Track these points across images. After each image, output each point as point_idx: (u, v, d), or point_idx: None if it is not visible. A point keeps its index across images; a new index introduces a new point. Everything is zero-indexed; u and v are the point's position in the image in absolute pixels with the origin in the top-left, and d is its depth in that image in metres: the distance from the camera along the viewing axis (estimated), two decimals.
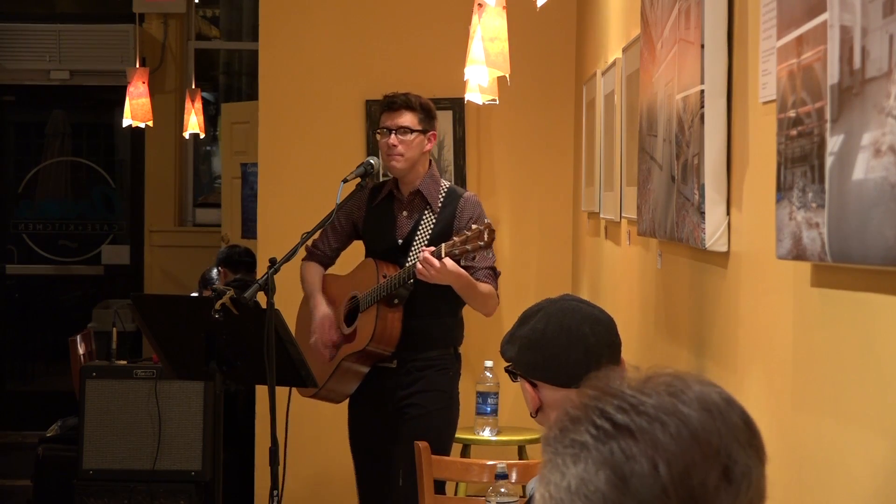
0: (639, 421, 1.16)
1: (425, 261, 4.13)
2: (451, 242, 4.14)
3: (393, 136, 4.44)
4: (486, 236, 4.06)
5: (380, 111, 4.60)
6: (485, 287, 4.34)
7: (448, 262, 4.14)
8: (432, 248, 4.17)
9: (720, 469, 1.16)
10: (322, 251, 4.65)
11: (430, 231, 4.42)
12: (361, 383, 4.52)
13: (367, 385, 4.51)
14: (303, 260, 4.65)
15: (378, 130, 4.55)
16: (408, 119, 4.45)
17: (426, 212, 4.47)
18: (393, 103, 4.47)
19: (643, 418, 1.16)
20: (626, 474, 1.14)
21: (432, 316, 4.42)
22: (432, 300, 4.38)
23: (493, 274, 4.40)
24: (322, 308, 4.55)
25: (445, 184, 4.54)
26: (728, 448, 1.17)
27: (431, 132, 4.50)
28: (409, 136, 4.44)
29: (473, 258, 4.15)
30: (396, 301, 4.38)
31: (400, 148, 4.43)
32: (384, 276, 4.39)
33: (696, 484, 1.14)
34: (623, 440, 1.15)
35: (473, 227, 4.12)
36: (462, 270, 4.22)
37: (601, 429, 1.17)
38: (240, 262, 6.87)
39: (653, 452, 1.15)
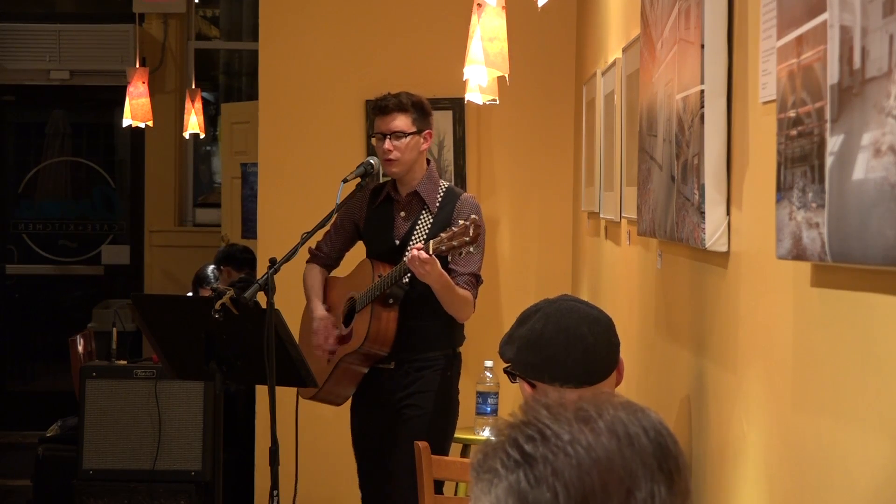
0: (544, 450, 1.23)
1: (416, 257, 4.12)
2: (438, 239, 4.12)
3: (387, 141, 4.42)
4: (471, 232, 4.03)
5: (372, 114, 4.58)
6: (463, 292, 4.32)
7: (434, 261, 4.14)
8: (420, 245, 4.17)
9: (623, 494, 1.22)
10: (325, 253, 4.65)
11: (426, 231, 4.41)
12: (362, 385, 4.51)
13: (367, 386, 4.50)
14: (306, 262, 4.65)
15: (373, 135, 4.54)
16: (400, 122, 4.43)
17: (424, 212, 4.46)
18: (384, 107, 4.44)
19: (548, 447, 1.24)
20: (529, 502, 1.22)
21: (431, 317, 4.40)
22: (430, 302, 4.37)
23: (475, 281, 4.38)
24: (319, 312, 4.54)
25: (444, 184, 4.53)
26: (632, 474, 1.23)
27: (427, 131, 4.48)
28: (404, 140, 4.42)
29: (460, 254, 4.12)
30: (391, 301, 4.37)
31: (395, 153, 4.42)
32: (379, 276, 4.38)
33: None
34: (529, 469, 1.23)
35: (460, 222, 4.10)
36: (443, 272, 4.20)
37: (511, 458, 1.25)
38: (242, 259, 6.86)
39: (554, 481, 1.22)
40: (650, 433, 1.26)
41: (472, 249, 4.09)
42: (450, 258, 4.15)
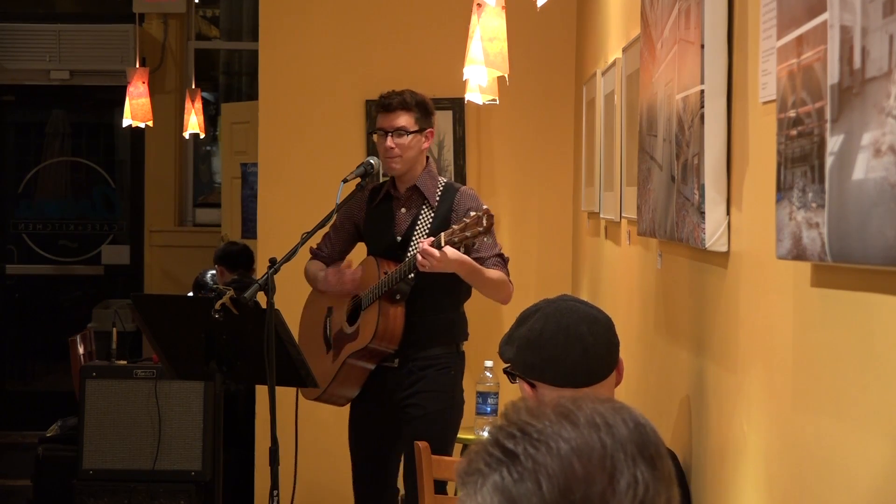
0: (525, 445, 1.25)
1: (424, 251, 4.11)
2: (449, 231, 4.12)
3: (389, 138, 4.43)
4: (484, 221, 4.04)
5: (375, 111, 4.59)
6: (495, 273, 4.31)
7: (449, 250, 4.11)
8: (431, 239, 4.16)
9: (606, 480, 1.24)
10: (326, 254, 4.65)
11: (428, 225, 4.42)
12: (363, 384, 4.51)
13: (368, 385, 4.50)
14: (308, 262, 4.66)
15: (374, 131, 4.54)
16: (404, 120, 4.44)
17: (424, 207, 4.47)
18: (388, 105, 4.45)
19: (529, 442, 1.25)
20: (514, 496, 1.24)
21: (435, 311, 4.41)
22: (434, 296, 4.37)
23: (502, 261, 4.38)
24: (328, 272, 4.53)
25: (442, 180, 4.54)
26: (614, 461, 1.25)
27: (429, 130, 4.49)
28: (406, 138, 4.43)
29: (474, 245, 4.13)
30: (398, 297, 4.37)
31: (397, 150, 4.42)
32: (385, 273, 4.38)
33: (579, 497, 1.23)
34: (512, 465, 1.25)
35: (472, 214, 4.11)
36: (465, 257, 4.16)
37: (493, 456, 1.26)
38: (238, 259, 6.86)
39: (537, 473, 1.24)
40: (629, 423, 1.28)
41: (486, 239, 4.11)
42: (462, 247, 4.13)
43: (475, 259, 4.25)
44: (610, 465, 1.24)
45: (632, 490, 1.24)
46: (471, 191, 4.51)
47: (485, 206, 4.15)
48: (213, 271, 7.00)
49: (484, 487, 1.25)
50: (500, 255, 4.39)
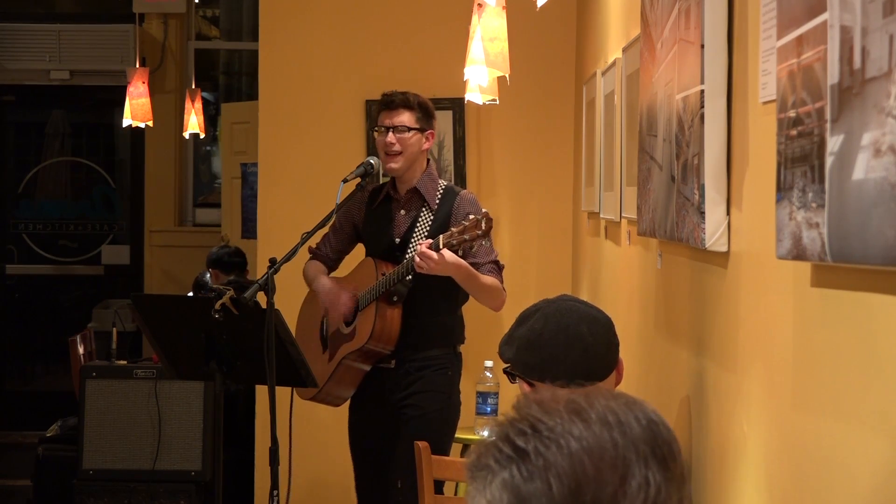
0: (535, 443, 1.23)
1: (422, 253, 4.12)
2: (448, 233, 4.13)
3: (390, 134, 4.44)
4: (483, 225, 4.05)
5: (377, 109, 4.60)
6: (489, 280, 4.32)
7: (446, 253, 4.11)
8: (429, 241, 4.17)
9: (617, 481, 1.22)
10: (324, 253, 4.65)
11: (427, 228, 4.42)
12: (361, 385, 4.51)
13: (366, 386, 4.50)
14: (307, 262, 4.66)
15: (376, 129, 4.55)
16: (405, 118, 4.45)
17: (423, 209, 4.47)
18: (391, 102, 4.47)
19: (540, 440, 1.23)
20: (524, 495, 1.22)
21: (432, 314, 4.41)
22: (431, 298, 4.37)
23: (497, 268, 4.39)
24: (326, 282, 4.53)
25: (443, 183, 4.54)
26: (625, 461, 1.23)
27: (430, 131, 4.50)
28: (407, 135, 4.44)
29: (472, 248, 4.13)
30: (395, 298, 4.38)
31: (397, 146, 4.43)
32: (382, 274, 4.38)
33: (589, 499, 1.21)
34: (522, 463, 1.23)
35: (471, 217, 4.11)
36: (462, 261, 4.18)
37: (504, 453, 1.24)
38: (231, 263, 6.87)
39: (547, 472, 1.22)
40: (642, 421, 1.26)
41: (484, 242, 4.11)
42: (460, 250, 4.13)
43: (471, 264, 4.26)
44: (621, 465, 1.22)
45: (643, 492, 1.22)
46: (471, 195, 4.51)
47: (485, 210, 4.15)
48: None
49: (493, 483, 1.24)
50: (496, 262, 4.38)
